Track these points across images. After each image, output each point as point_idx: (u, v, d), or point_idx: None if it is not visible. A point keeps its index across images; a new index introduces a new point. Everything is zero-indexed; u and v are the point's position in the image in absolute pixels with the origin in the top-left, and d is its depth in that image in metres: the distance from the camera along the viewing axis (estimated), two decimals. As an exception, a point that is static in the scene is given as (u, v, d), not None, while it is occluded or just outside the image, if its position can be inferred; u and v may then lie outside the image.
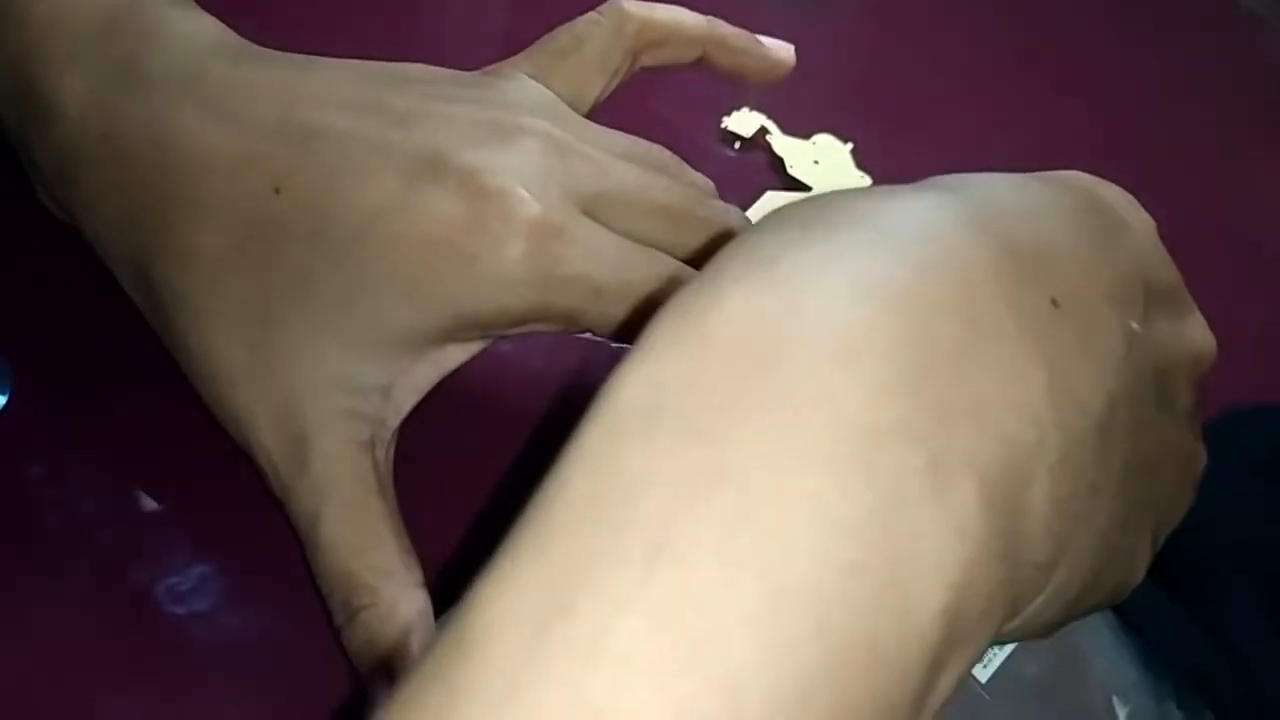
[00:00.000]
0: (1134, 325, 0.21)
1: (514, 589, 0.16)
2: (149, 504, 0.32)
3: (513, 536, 0.17)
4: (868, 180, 0.44)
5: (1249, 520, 0.35)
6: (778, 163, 0.44)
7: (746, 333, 0.17)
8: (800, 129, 0.45)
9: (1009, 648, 0.31)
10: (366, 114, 0.30)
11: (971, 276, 0.19)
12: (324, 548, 0.29)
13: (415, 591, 0.29)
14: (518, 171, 0.29)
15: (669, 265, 0.31)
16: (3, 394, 0.34)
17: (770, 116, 0.45)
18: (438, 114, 0.30)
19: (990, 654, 0.30)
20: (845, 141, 0.45)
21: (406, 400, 0.31)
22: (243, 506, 0.33)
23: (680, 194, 0.32)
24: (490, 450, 0.34)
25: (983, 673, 0.31)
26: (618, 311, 0.30)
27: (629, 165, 0.32)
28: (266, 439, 0.29)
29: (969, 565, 0.17)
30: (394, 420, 0.31)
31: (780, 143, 0.45)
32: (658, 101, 0.43)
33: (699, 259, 0.32)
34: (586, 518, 0.16)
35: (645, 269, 0.30)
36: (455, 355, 0.31)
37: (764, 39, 0.36)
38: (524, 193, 0.29)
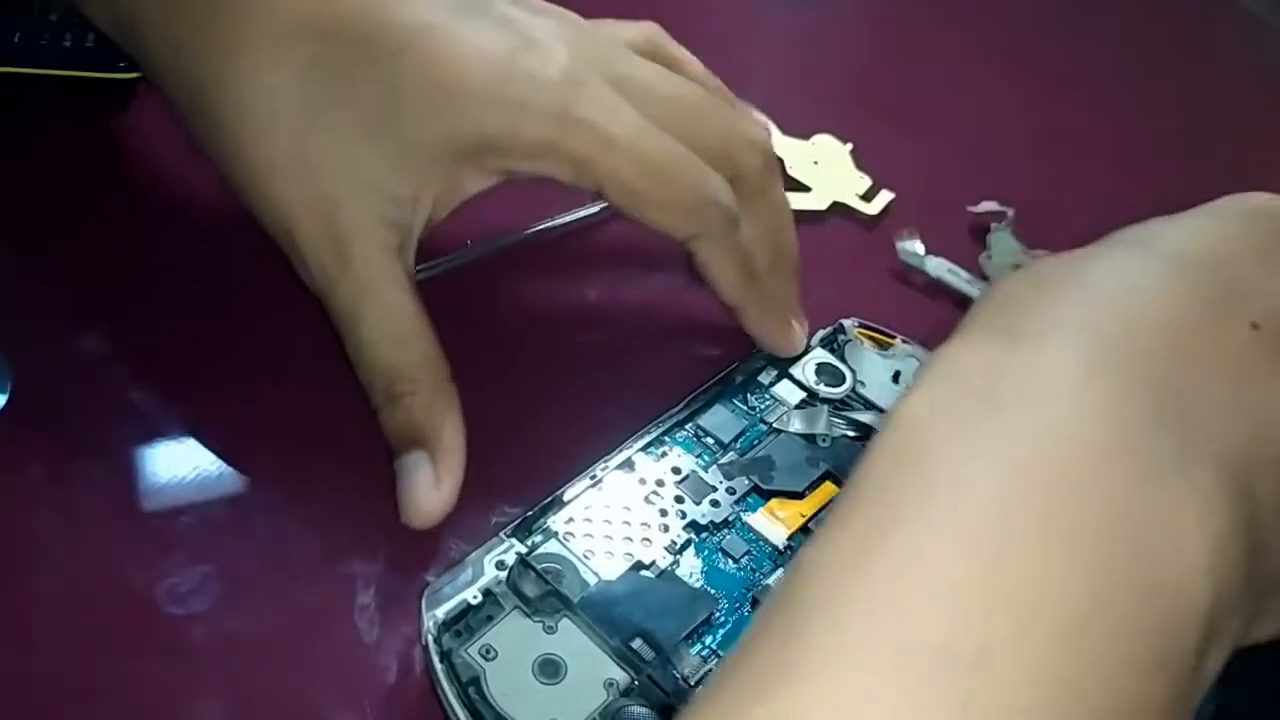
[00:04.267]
0: None
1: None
2: (149, 504, 0.32)
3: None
4: (867, 181, 0.44)
5: None
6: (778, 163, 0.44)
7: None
8: (800, 129, 0.45)
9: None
10: None
11: (1173, 322, 0.23)
12: (366, 342, 0.32)
13: (449, 383, 0.32)
14: (555, 34, 0.33)
15: (682, 150, 0.33)
16: (3, 394, 0.34)
17: (770, 117, 0.45)
18: None
19: None
20: (845, 142, 0.45)
21: (433, 214, 0.33)
22: (243, 507, 0.33)
23: (699, 93, 0.35)
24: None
25: None
26: (629, 174, 0.32)
27: (651, 63, 0.34)
28: (309, 236, 0.31)
29: (1220, 537, 0.20)
30: (418, 232, 0.33)
31: (780, 143, 0.45)
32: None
33: (715, 153, 0.34)
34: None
35: (657, 141, 0.32)
36: (473, 183, 0.33)
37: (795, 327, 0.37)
38: (559, 46, 0.32)
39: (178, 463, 0.33)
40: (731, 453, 0.34)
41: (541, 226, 0.40)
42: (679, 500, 0.33)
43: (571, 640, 0.29)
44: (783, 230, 0.37)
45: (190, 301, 0.37)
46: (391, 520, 0.33)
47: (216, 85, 0.31)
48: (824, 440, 0.35)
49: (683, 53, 0.37)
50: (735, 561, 0.32)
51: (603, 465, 0.33)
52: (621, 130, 0.32)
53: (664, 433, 0.34)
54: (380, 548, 0.32)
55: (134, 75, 0.42)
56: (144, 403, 0.34)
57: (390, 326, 0.32)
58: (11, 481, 0.32)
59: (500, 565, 0.30)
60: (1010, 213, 0.42)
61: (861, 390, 0.36)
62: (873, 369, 0.37)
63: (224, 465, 0.33)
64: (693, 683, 0.29)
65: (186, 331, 0.36)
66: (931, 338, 0.38)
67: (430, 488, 0.31)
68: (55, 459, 0.33)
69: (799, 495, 0.33)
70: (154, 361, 0.35)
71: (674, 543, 0.32)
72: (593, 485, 0.33)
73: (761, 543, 0.32)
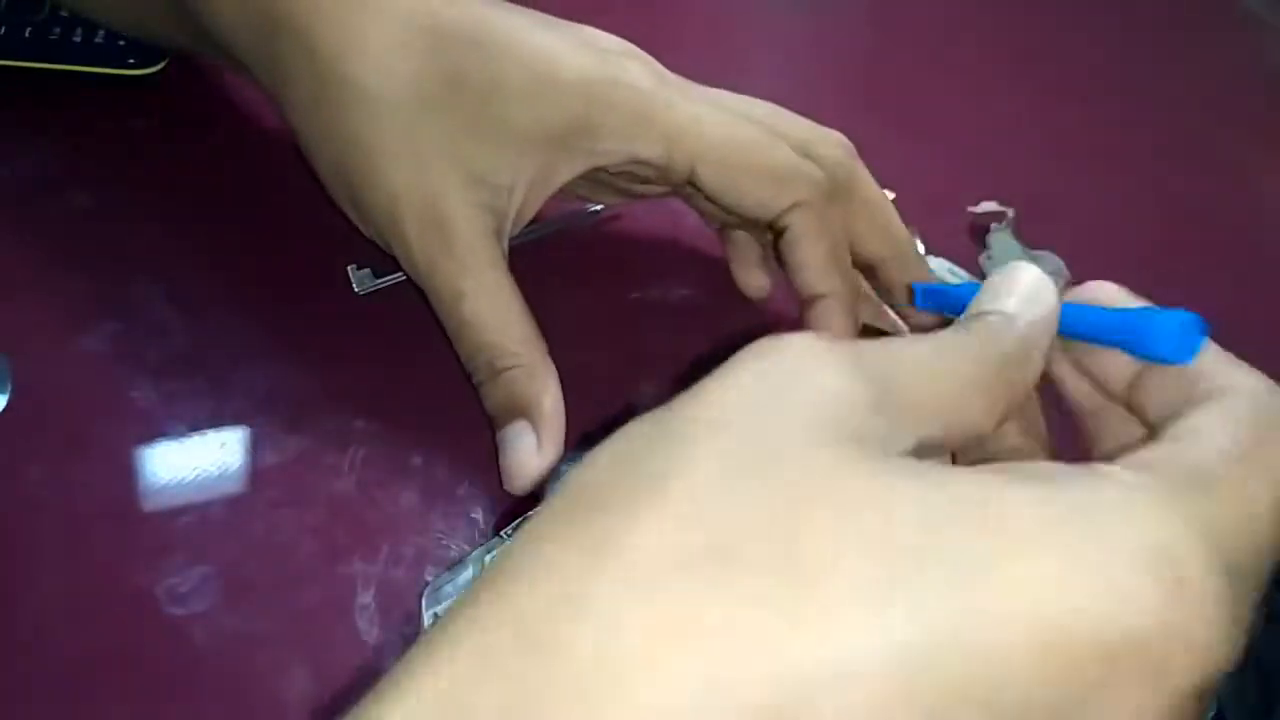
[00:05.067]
0: None
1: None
2: (149, 504, 0.32)
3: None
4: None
5: None
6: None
7: None
8: (800, 129, 0.45)
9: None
10: None
11: None
12: (469, 320, 0.33)
13: (548, 359, 0.34)
14: (643, 60, 0.35)
15: (767, 128, 0.34)
16: (3, 394, 0.34)
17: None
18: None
19: None
20: (845, 141, 0.45)
21: (525, 203, 0.34)
22: (243, 507, 0.33)
23: (770, 105, 0.36)
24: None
25: None
26: (721, 145, 0.34)
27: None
28: (414, 219, 0.33)
29: None
30: (511, 219, 0.34)
31: (780, 143, 0.45)
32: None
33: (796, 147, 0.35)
34: None
35: (744, 120, 0.34)
36: (565, 170, 0.34)
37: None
38: (651, 64, 0.35)
39: (178, 463, 0.33)
40: None
41: (543, 224, 0.40)
42: None
43: None
44: (888, 219, 0.37)
45: (191, 301, 0.37)
46: (391, 520, 0.33)
47: (343, 76, 0.33)
48: None
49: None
50: None
51: None
52: (709, 110, 0.34)
53: None
54: (380, 548, 0.32)
55: (143, 71, 0.42)
56: (144, 403, 0.34)
57: (492, 304, 0.33)
58: (11, 481, 0.32)
59: None
60: (1010, 213, 0.42)
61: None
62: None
63: (224, 465, 0.33)
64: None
65: (187, 331, 0.36)
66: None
67: (533, 453, 0.33)
68: (55, 459, 0.33)
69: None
70: (154, 361, 0.35)
71: (674, 543, 0.32)
72: None
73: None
